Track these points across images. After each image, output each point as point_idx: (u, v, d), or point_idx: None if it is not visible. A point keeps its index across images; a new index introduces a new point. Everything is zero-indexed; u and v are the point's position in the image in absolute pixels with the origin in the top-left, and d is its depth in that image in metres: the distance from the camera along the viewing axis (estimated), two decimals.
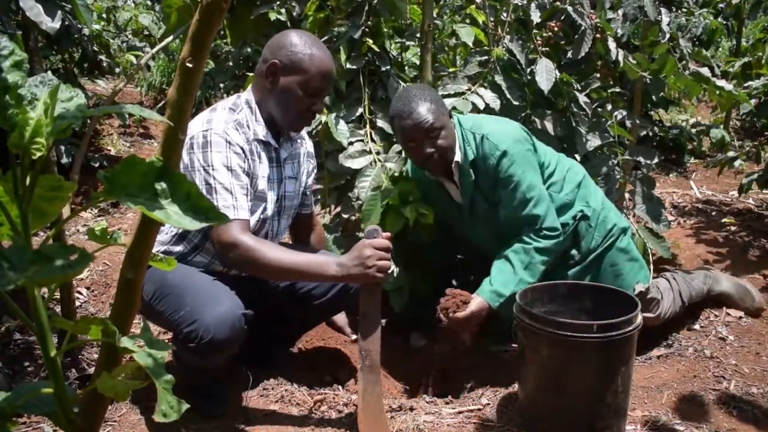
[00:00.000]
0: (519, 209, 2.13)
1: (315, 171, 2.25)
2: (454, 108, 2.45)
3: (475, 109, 2.46)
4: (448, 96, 2.48)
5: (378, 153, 2.47)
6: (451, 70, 2.92)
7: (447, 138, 2.11)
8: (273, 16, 2.76)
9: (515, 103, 2.53)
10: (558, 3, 2.72)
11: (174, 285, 1.80)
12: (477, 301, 2.09)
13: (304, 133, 2.19)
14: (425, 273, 2.51)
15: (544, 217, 2.12)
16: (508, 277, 2.10)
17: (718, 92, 2.63)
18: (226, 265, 1.93)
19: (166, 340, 1.91)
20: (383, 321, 2.61)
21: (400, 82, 2.53)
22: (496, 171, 2.13)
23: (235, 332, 1.74)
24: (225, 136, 1.83)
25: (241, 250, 1.77)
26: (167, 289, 1.80)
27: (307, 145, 2.18)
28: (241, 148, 1.86)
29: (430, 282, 2.54)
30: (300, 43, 1.90)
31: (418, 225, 2.34)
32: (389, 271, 1.82)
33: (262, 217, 1.97)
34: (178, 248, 1.95)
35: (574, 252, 2.23)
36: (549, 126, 2.54)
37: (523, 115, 2.58)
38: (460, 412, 1.94)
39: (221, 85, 4.91)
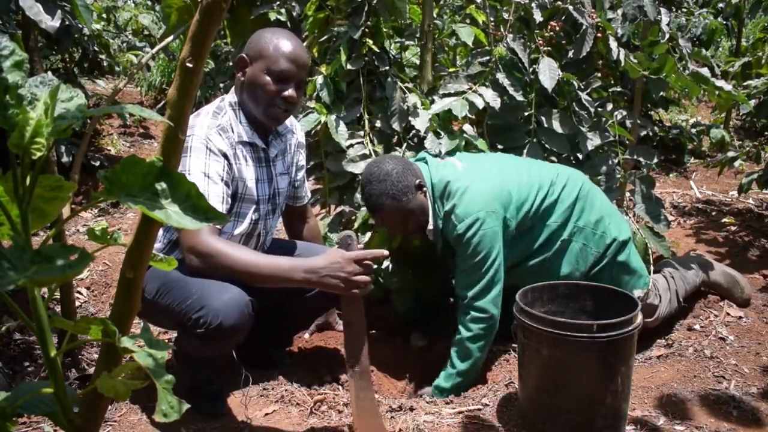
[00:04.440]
0: (459, 282, 2.15)
1: (304, 161, 2.23)
2: (448, 111, 2.43)
3: (474, 109, 2.45)
4: (448, 95, 2.47)
5: (378, 155, 2.47)
6: (451, 69, 2.92)
7: (416, 220, 2.16)
8: (273, 16, 2.76)
9: (519, 100, 2.52)
10: (559, 2, 2.72)
11: (177, 279, 1.79)
12: (426, 390, 2.22)
13: (295, 124, 2.17)
14: (428, 274, 2.51)
15: (474, 299, 2.10)
16: (449, 372, 2.15)
17: (717, 92, 2.63)
18: (193, 271, 1.81)
19: (166, 340, 1.91)
20: (384, 319, 2.64)
21: (398, 82, 2.53)
22: (454, 245, 2.14)
23: (243, 317, 1.73)
24: (206, 142, 1.83)
25: (205, 255, 1.75)
26: (171, 284, 1.80)
27: (297, 136, 2.17)
28: (224, 154, 1.85)
29: (433, 282, 2.55)
30: (267, 34, 1.92)
31: (406, 244, 2.40)
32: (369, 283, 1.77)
33: (254, 217, 1.97)
34: (173, 255, 1.94)
35: (573, 271, 2.20)
36: (556, 124, 2.53)
37: (526, 114, 2.58)
38: (460, 412, 1.94)
39: (221, 85, 4.91)
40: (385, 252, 1.80)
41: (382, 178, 2.09)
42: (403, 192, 2.09)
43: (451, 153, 2.32)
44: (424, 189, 2.16)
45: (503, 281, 2.14)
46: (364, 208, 2.38)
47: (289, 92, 1.89)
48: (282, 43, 1.89)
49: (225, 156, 1.85)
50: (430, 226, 2.19)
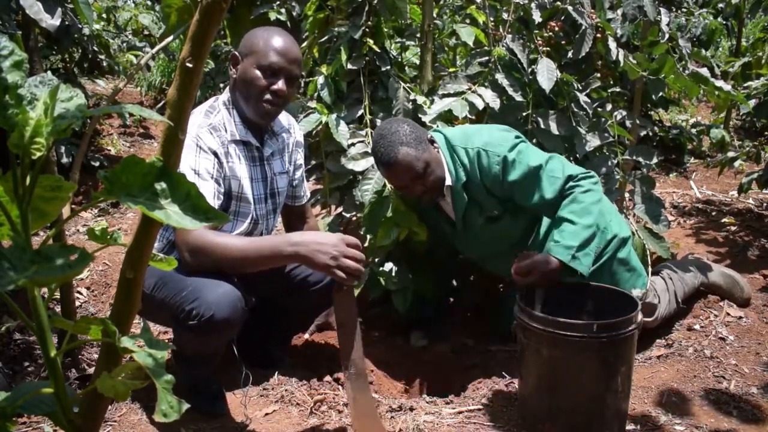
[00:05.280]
0: (549, 191, 2.05)
1: (303, 160, 2.23)
2: (448, 111, 2.44)
3: (474, 109, 2.45)
4: (448, 95, 2.47)
5: None
6: (451, 70, 2.92)
7: (433, 172, 2.11)
8: (273, 16, 2.76)
9: (518, 100, 2.52)
10: (558, 3, 2.72)
11: (174, 274, 1.80)
12: (541, 255, 1.94)
13: (293, 123, 2.17)
14: (427, 273, 2.51)
15: (568, 176, 2.04)
16: (570, 229, 1.95)
17: (716, 93, 2.63)
18: (189, 269, 1.81)
19: (166, 340, 1.92)
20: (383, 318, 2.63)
21: (401, 82, 2.53)
22: (504, 178, 2.10)
23: (235, 311, 1.73)
24: (196, 140, 1.84)
25: (197, 251, 1.76)
26: (168, 278, 1.80)
27: (296, 135, 2.17)
28: (214, 153, 1.86)
29: (432, 282, 2.55)
30: (258, 31, 1.94)
31: (410, 241, 2.38)
32: (361, 275, 1.73)
33: (254, 217, 1.98)
34: (172, 255, 1.94)
35: None
36: (553, 125, 2.53)
37: (524, 114, 2.58)
38: (460, 412, 1.94)
39: (221, 85, 4.91)
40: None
41: (394, 130, 2.07)
42: (417, 140, 2.07)
43: None
44: (436, 145, 2.16)
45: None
46: (366, 207, 2.37)
47: (279, 85, 1.89)
48: (272, 38, 1.90)
49: (215, 154, 1.86)
50: (448, 182, 2.17)
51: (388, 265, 2.43)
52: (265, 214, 2.02)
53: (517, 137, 2.16)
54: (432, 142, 2.15)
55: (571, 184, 2.03)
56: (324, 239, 1.73)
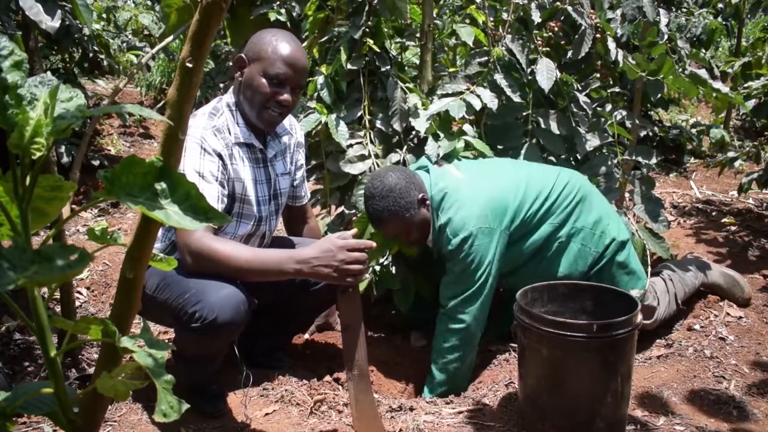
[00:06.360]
0: (444, 292, 2.16)
1: (303, 161, 2.23)
2: (446, 111, 2.43)
3: (472, 110, 2.45)
4: (446, 96, 2.47)
5: (377, 156, 2.47)
6: (451, 70, 2.92)
7: (418, 233, 2.17)
8: (273, 16, 2.76)
9: (516, 101, 2.52)
10: (558, 3, 2.72)
11: (177, 275, 1.80)
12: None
13: (294, 124, 2.17)
14: (425, 274, 2.51)
15: (454, 308, 2.12)
16: (430, 382, 2.18)
17: (714, 94, 2.63)
18: (189, 270, 1.81)
19: (166, 340, 1.92)
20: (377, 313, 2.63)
21: (398, 82, 2.53)
22: (447, 257, 2.14)
23: (239, 314, 1.73)
24: (201, 142, 1.83)
25: (197, 254, 1.76)
26: (170, 279, 1.80)
27: (297, 136, 2.17)
28: (219, 155, 1.85)
29: (433, 282, 2.55)
30: (267, 36, 1.91)
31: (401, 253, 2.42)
32: (364, 275, 1.78)
33: (257, 218, 1.98)
34: (174, 256, 1.94)
35: (572, 272, 2.20)
36: (553, 125, 2.53)
37: (524, 114, 2.58)
38: (460, 412, 1.94)
39: (221, 85, 4.92)
40: (374, 244, 1.82)
41: (385, 194, 2.08)
42: (405, 208, 2.09)
43: (449, 157, 2.29)
44: (427, 203, 2.16)
45: (490, 300, 2.15)
46: (362, 207, 2.38)
47: (284, 96, 1.88)
48: (281, 46, 1.88)
49: (219, 156, 1.86)
50: (431, 238, 2.20)
51: (388, 263, 2.43)
52: (268, 215, 2.02)
53: (486, 228, 2.08)
54: (423, 201, 2.14)
55: (446, 322, 2.14)
56: (324, 252, 1.74)
